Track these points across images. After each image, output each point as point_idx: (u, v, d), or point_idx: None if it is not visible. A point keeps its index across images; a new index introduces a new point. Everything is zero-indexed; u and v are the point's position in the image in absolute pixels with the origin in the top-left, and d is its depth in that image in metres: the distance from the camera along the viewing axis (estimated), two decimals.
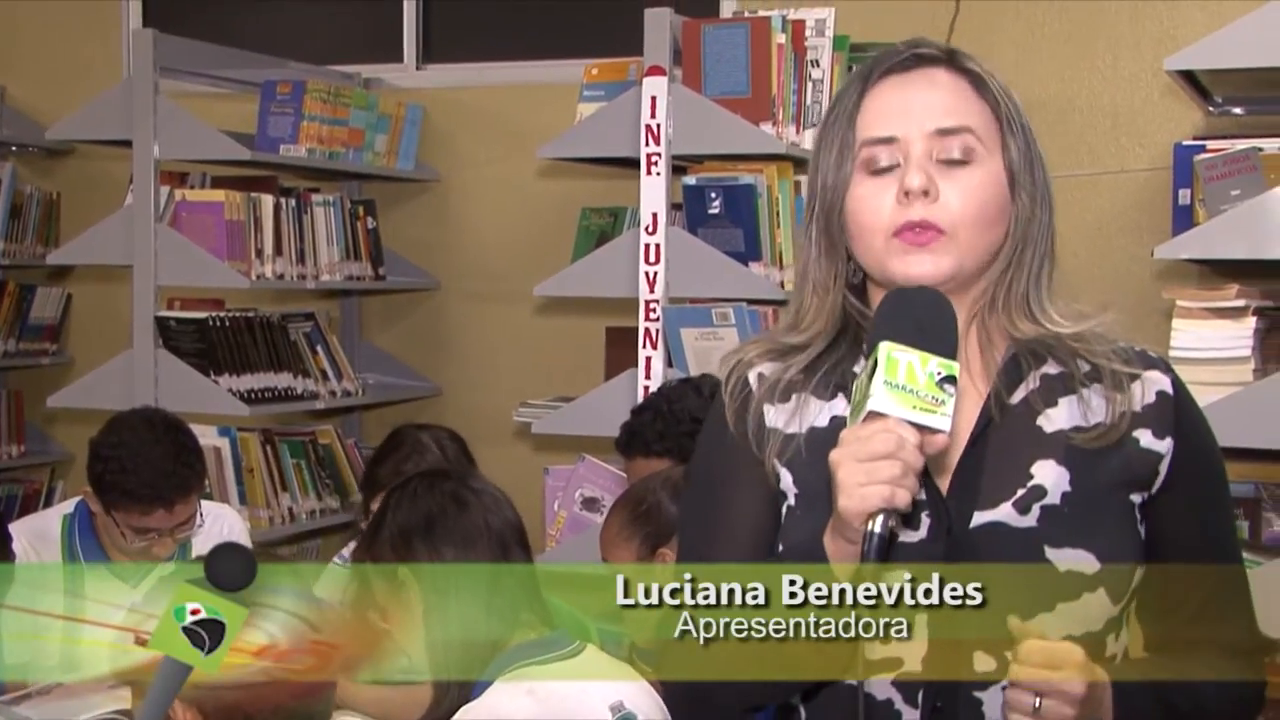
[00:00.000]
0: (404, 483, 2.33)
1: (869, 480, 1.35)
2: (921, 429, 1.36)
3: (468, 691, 2.13)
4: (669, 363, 3.69)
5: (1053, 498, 1.50)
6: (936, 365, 1.37)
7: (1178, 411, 1.55)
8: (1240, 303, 3.11)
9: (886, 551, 1.38)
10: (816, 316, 1.58)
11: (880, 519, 1.35)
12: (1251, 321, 3.11)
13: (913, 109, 1.52)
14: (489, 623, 2.16)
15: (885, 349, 1.38)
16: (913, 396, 1.36)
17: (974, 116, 1.53)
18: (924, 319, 1.41)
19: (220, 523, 3.35)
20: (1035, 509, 1.50)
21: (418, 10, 5.08)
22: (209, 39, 4.60)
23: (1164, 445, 1.53)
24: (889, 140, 1.52)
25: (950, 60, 1.56)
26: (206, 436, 3.81)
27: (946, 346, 1.40)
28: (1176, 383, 1.57)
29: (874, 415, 1.37)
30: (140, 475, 3.03)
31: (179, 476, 3.08)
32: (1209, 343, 3.12)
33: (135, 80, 4.20)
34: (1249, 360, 3.11)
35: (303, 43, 5.08)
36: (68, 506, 3.29)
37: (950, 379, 1.37)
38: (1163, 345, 3.12)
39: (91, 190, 5.26)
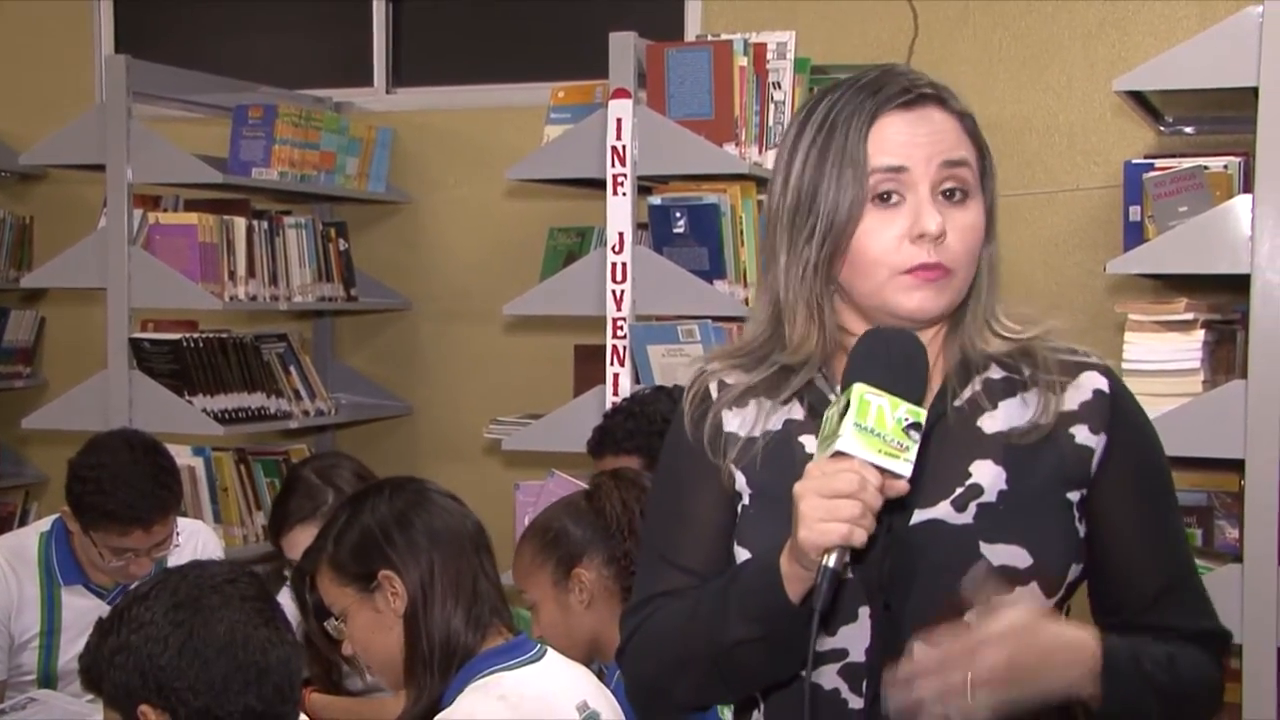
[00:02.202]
0: (373, 487, 2.36)
1: (829, 517, 1.41)
2: (884, 472, 1.43)
3: (439, 698, 2.18)
4: (636, 379, 3.75)
5: (989, 496, 1.56)
6: (905, 411, 1.43)
7: (1114, 407, 1.61)
8: (1189, 316, 3.18)
9: (838, 584, 1.45)
10: (806, 339, 1.62)
11: (835, 555, 1.42)
12: (1200, 334, 3.18)
13: (920, 140, 1.57)
14: (467, 629, 2.20)
15: (859, 391, 1.43)
16: (879, 440, 1.42)
17: (969, 151, 1.60)
18: (898, 364, 1.47)
19: (195, 539, 3.38)
20: (972, 507, 1.56)
21: (387, 35, 5.14)
22: (181, 64, 4.63)
23: (1097, 440, 1.59)
24: (899, 169, 1.56)
25: (943, 100, 1.61)
26: (181, 456, 3.84)
27: (916, 393, 1.46)
28: (1114, 382, 1.63)
29: (840, 454, 1.42)
30: (119, 496, 3.06)
31: (157, 498, 3.11)
32: (1159, 355, 3.18)
33: (108, 105, 4.25)
34: (1198, 372, 3.17)
35: (274, 67, 5.13)
36: (44, 525, 3.32)
37: (916, 425, 1.44)
38: (1115, 357, 3.20)
39: (65, 214, 5.30)
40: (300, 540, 3.03)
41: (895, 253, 1.55)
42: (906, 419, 1.43)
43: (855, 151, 1.56)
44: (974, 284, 1.62)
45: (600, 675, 2.47)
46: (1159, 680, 1.56)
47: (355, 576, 2.22)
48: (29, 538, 3.31)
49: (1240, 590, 3.04)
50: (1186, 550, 1.69)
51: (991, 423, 1.60)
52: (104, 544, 3.11)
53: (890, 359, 1.47)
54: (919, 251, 1.55)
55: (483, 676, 2.16)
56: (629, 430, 3.01)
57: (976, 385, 1.61)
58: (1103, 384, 1.62)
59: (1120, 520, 1.61)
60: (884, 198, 1.56)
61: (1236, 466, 3.15)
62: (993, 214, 1.62)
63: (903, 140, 1.56)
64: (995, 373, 1.62)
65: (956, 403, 1.60)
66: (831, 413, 1.46)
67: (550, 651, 2.27)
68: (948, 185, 1.57)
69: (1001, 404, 1.61)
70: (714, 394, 1.67)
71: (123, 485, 3.07)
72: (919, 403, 1.45)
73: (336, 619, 2.26)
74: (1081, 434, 1.59)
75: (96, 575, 3.24)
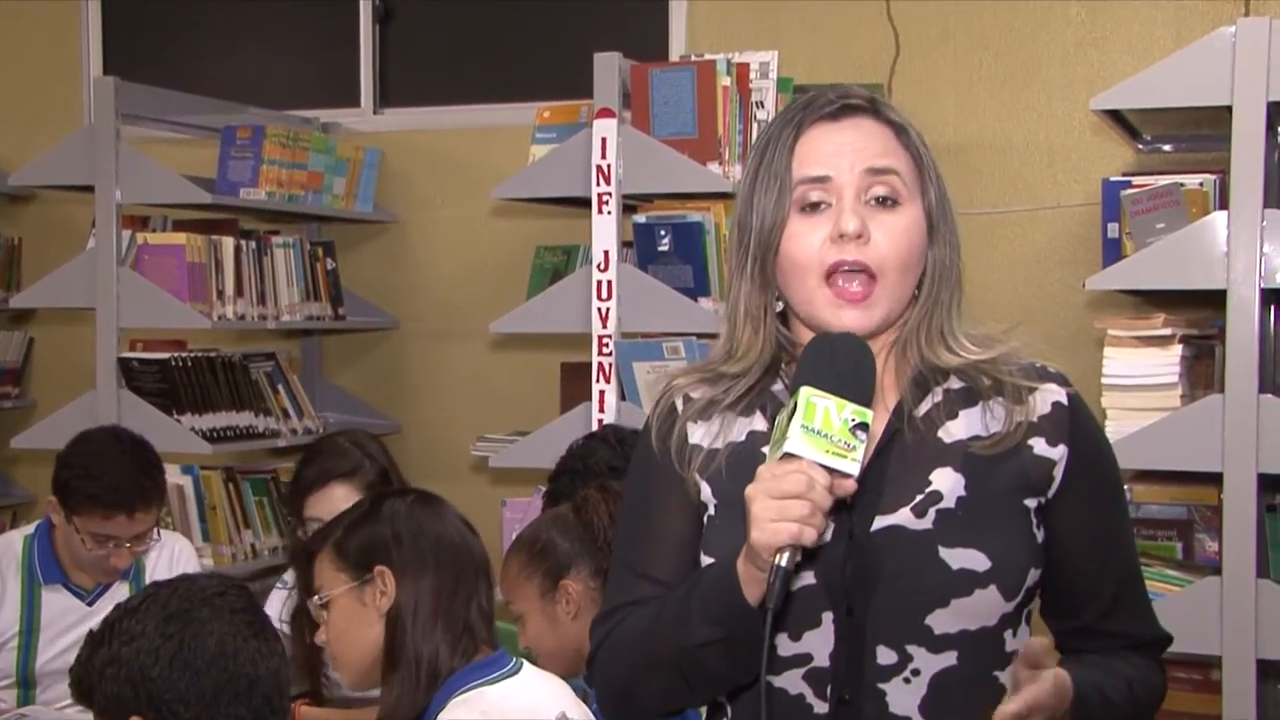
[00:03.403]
0: (398, 490, 2.40)
1: (780, 517, 1.44)
2: (832, 472, 1.46)
3: (421, 711, 2.20)
4: (622, 396, 3.78)
5: (948, 502, 1.60)
6: (851, 412, 1.47)
7: (1072, 421, 1.65)
8: (1167, 331, 3.22)
9: (790, 582, 1.49)
10: (750, 347, 1.68)
11: (787, 554, 1.45)
12: (1178, 349, 3.22)
13: (844, 150, 1.62)
14: (453, 652, 2.22)
15: (805, 394, 1.47)
16: (826, 441, 1.46)
17: (899, 160, 1.64)
18: (844, 367, 1.51)
19: (173, 543, 3.45)
20: (931, 513, 1.59)
21: (374, 55, 5.17)
22: (169, 85, 4.67)
23: (1057, 452, 1.63)
24: (823, 179, 1.61)
25: (874, 109, 1.66)
26: (170, 475, 3.84)
27: (863, 395, 1.49)
28: (1073, 394, 1.67)
29: (789, 456, 1.46)
30: (105, 481, 3.14)
31: (141, 486, 3.19)
32: (1138, 370, 3.22)
33: (97, 126, 4.27)
34: (1176, 386, 3.21)
35: (262, 88, 5.16)
36: (29, 528, 3.41)
37: (863, 426, 1.47)
38: (1095, 372, 3.24)
39: (53, 235, 5.31)
40: (337, 496, 3.05)
41: (818, 254, 1.60)
42: (853, 419, 1.46)
43: (780, 164, 1.63)
44: (923, 291, 1.65)
45: (585, 692, 2.49)
46: (1121, 710, 1.62)
47: (354, 565, 2.27)
48: (13, 538, 3.40)
49: (1220, 603, 3.07)
50: (1136, 559, 1.75)
51: (950, 433, 1.63)
52: (87, 530, 3.17)
53: (836, 362, 1.51)
54: (839, 251, 1.59)
55: (464, 693, 2.18)
56: (579, 489, 2.99)
57: (937, 396, 1.65)
58: (1061, 396, 1.66)
59: (1077, 530, 1.65)
60: (813, 206, 1.62)
61: (1215, 480, 3.18)
62: (936, 219, 1.65)
63: (827, 150, 1.62)
64: (954, 383, 1.66)
65: (917, 413, 1.64)
66: (781, 417, 1.50)
67: (526, 665, 2.29)
68: (877, 192, 1.61)
69: (962, 413, 1.64)
70: (679, 408, 1.71)
71: (109, 471, 3.16)
72: (866, 404, 1.49)
73: (320, 602, 2.29)
74: (1040, 445, 1.63)
75: (77, 575, 3.30)
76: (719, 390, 1.69)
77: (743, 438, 1.67)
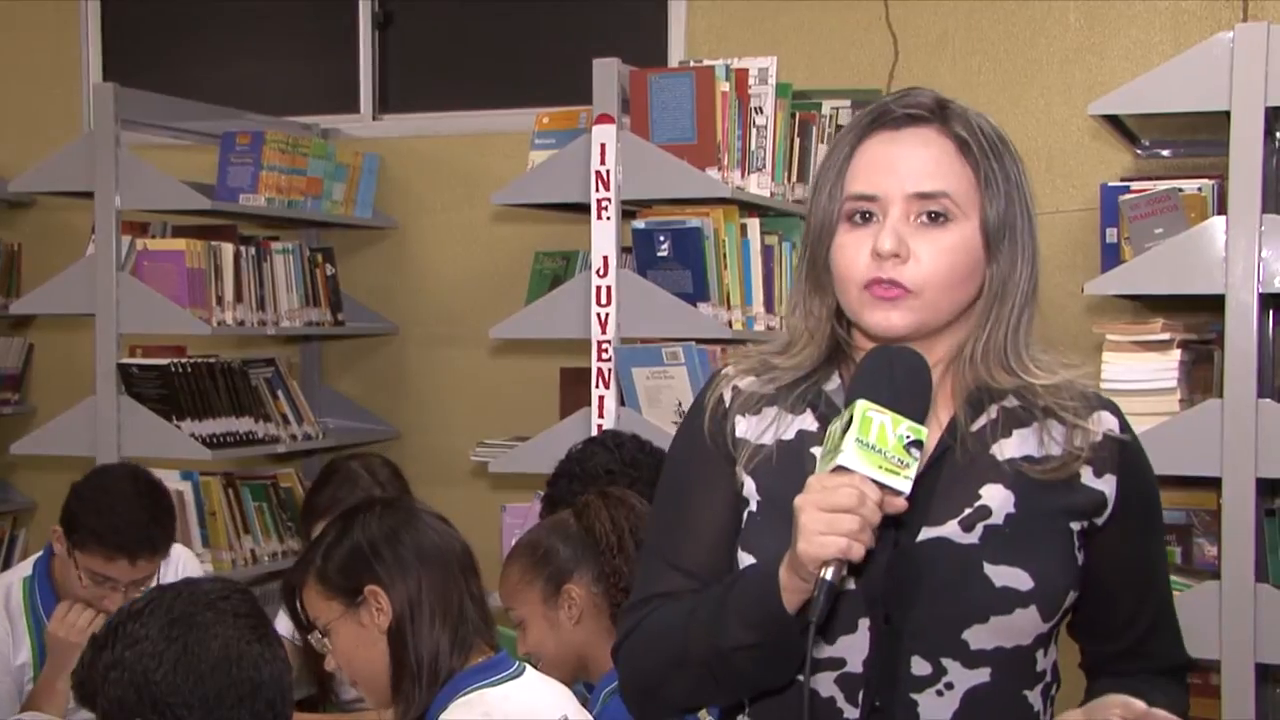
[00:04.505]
0: (364, 504, 2.39)
1: (829, 530, 1.43)
2: (884, 488, 1.45)
3: (423, 714, 2.20)
4: (621, 401, 3.77)
5: (996, 518, 1.59)
6: (906, 429, 1.46)
7: (1123, 452, 1.65)
8: (1165, 336, 3.21)
9: (835, 596, 1.47)
10: (808, 344, 1.68)
11: (833, 568, 1.44)
12: (1177, 354, 3.21)
13: (897, 169, 1.60)
14: (452, 650, 2.23)
15: (861, 407, 1.46)
16: (880, 457, 1.44)
17: (953, 180, 1.60)
18: (901, 382, 1.50)
19: (178, 555, 3.40)
20: (979, 527, 1.59)
21: (374, 62, 5.18)
22: (169, 92, 4.67)
23: (1105, 482, 1.63)
24: (871, 198, 1.60)
25: (941, 119, 1.63)
26: (169, 481, 3.84)
27: (918, 411, 1.48)
28: (1124, 425, 1.66)
29: (841, 469, 1.45)
30: (112, 522, 3.08)
31: (149, 534, 3.12)
32: (1137, 374, 3.22)
33: (97, 133, 4.27)
34: (1175, 391, 3.20)
35: (261, 95, 5.16)
36: (25, 569, 3.34)
37: (917, 443, 1.46)
38: (1094, 378, 3.22)
39: (53, 241, 5.32)
40: None
41: (857, 268, 1.60)
42: (908, 436, 1.45)
43: (837, 175, 1.63)
44: (978, 308, 1.63)
45: (584, 697, 2.49)
46: None
47: (341, 590, 2.25)
48: (12, 583, 3.32)
49: (1219, 607, 3.07)
50: (1169, 585, 1.76)
51: (1004, 450, 1.62)
52: (86, 567, 3.11)
53: (894, 376, 1.50)
54: (878, 266, 1.59)
55: (465, 694, 2.19)
56: (576, 493, 2.99)
57: (992, 413, 1.64)
58: (1114, 426, 1.65)
59: (1123, 558, 1.66)
60: (864, 216, 1.61)
61: (1214, 484, 3.18)
62: (996, 236, 1.61)
63: (879, 167, 1.61)
64: (1010, 401, 1.64)
65: (971, 429, 1.63)
66: (835, 427, 1.49)
67: (529, 669, 2.29)
68: (928, 210, 1.60)
69: (1015, 432, 1.63)
70: (727, 400, 1.70)
71: (119, 513, 3.09)
72: (922, 420, 1.48)
73: (320, 633, 2.28)
74: (1087, 474, 1.63)
75: None
76: (767, 382, 1.68)
77: (791, 435, 1.66)
